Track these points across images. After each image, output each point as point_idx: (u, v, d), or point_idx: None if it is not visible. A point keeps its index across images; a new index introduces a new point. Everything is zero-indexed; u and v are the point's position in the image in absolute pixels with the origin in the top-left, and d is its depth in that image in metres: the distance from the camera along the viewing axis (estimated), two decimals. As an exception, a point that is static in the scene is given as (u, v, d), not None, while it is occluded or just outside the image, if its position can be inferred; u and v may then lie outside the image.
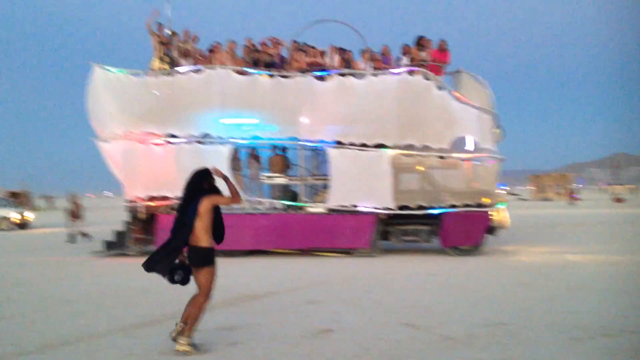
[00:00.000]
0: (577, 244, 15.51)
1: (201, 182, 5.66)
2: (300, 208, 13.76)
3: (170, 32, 14.39)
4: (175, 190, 13.67)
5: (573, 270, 10.86)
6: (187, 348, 5.54)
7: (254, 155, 15.03)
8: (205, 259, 5.57)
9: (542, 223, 24.08)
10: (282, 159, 14.98)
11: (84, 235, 19.02)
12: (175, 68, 13.98)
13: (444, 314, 7.31)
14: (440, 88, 13.10)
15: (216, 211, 5.70)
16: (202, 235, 5.52)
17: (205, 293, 5.61)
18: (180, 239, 5.55)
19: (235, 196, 5.72)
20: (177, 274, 5.59)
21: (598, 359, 5.36)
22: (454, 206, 13.10)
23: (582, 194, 68.78)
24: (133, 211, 13.96)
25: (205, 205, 5.52)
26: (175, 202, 13.75)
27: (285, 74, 13.75)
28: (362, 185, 12.98)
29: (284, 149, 14.88)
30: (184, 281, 5.65)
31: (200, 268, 5.57)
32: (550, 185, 70.80)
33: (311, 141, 13.77)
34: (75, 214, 19.36)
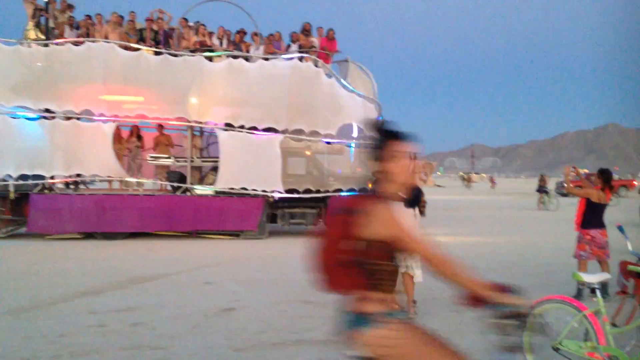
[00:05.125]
0: (446, 226, 16.88)
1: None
2: (187, 190, 13.51)
3: (46, 0, 13.34)
4: (51, 169, 12.86)
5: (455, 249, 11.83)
6: None
7: (137, 134, 14.48)
8: None
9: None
10: (167, 139, 14.62)
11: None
12: (53, 39, 13.05)
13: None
14: (328, 75, 13.49)
15: None
16: None
17: None
18: None
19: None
20: None
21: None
22: (339, 190, 13.64)
23: (442, 180, 73.95)
24: (2, 190, 12.84)
25: None
26: (49, 182, 12.92)
27: (173, 52, 13.37)
28: (252, 169, 13.05)
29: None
30: None
31: None
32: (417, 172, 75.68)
33: (200, 122, 13.55)
34: None
